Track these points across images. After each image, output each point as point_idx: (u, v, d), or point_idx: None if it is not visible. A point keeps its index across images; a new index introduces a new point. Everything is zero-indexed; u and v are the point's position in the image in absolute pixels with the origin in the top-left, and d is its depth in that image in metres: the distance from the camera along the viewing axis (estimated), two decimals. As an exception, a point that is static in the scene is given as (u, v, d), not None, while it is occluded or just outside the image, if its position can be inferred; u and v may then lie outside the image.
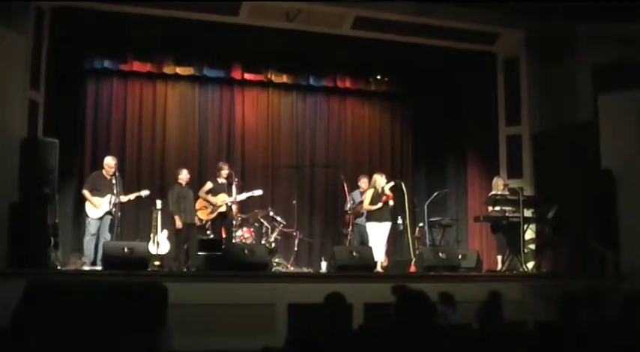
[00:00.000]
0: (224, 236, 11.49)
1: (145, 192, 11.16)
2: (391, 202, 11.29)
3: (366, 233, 11.46)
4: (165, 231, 11.35)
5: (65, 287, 5.92)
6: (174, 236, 11.22)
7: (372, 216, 11.26)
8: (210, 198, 11.48)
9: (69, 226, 11.69)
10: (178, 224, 11.09)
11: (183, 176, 11.35)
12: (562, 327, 5.20)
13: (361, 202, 11.66)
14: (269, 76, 13.46)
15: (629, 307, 5.07)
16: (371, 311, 8.18)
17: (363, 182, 12.12)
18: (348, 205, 12.11)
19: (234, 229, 11.66)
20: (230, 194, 11.53)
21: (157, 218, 11.29)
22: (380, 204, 11.15)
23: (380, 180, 11.37)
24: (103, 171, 10.82)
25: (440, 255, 10.54)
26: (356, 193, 12.21)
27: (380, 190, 11.26)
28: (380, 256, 10.96)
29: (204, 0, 10.98)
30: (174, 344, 5.76)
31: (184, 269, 10.50)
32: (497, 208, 11.26)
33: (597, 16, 10.92)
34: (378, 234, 11.13)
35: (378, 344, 4.59)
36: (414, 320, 3.97)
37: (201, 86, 13.40)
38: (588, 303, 5.53)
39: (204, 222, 11.51)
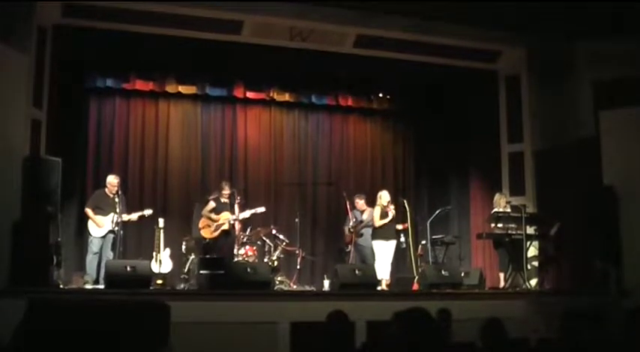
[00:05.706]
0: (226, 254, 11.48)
1: (147, 211, 11.19)
2: (392, 213, 11.33)
3: (366, 253, 11.51)
4: (168, 250, 11.36)
5: (67, 305, 5.90)
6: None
7: (378, 234, 11.30)
8: (213, 216, 11.50)
9: (71, 245, 11.69)
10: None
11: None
12: (564, 344, 5.18)
13: (361, 222, 11.74)
14: (271, 94, 13.49)
15: (632, 323, 5.04)
16: (373, 329, 8.14)
17: (358, 201, 12.08)
18: (351, 223, 12.08)
19: (236, 247, 11.66)
20: (233, 212, 11.55)
21: (159, 236, 11.31)
22: (388, 218, 11.24)
23: (384, 195, 11.51)
24: (106, 190, 10.85)
25: (442, 272, 10.52)
26: (356, 213, 12.15)
27: (386, 204, 11.37)
28: (385, 274, 10.99)
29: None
30: (176, 363, 5.74)
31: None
32: (500, 225, 11.24)
33: (597, 34, 10.96)
34: (384, 252, 11.19)
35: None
36: (416, 339, 3.94)
37: (203, 105, 13.44)
38: (591, 320, 5.51)
39: (207, 240, 11.53)
